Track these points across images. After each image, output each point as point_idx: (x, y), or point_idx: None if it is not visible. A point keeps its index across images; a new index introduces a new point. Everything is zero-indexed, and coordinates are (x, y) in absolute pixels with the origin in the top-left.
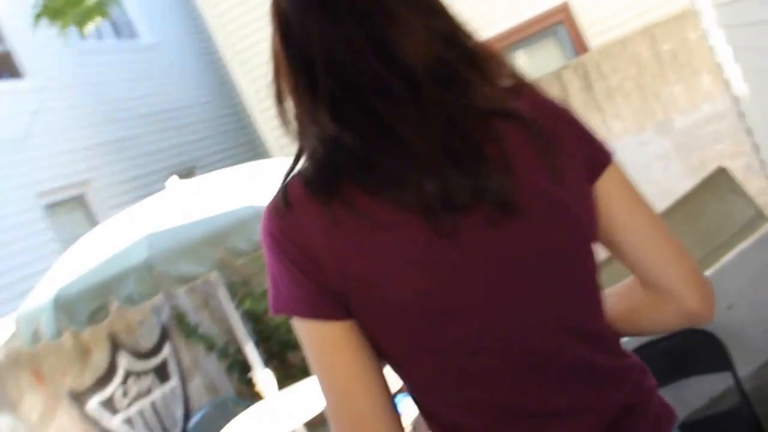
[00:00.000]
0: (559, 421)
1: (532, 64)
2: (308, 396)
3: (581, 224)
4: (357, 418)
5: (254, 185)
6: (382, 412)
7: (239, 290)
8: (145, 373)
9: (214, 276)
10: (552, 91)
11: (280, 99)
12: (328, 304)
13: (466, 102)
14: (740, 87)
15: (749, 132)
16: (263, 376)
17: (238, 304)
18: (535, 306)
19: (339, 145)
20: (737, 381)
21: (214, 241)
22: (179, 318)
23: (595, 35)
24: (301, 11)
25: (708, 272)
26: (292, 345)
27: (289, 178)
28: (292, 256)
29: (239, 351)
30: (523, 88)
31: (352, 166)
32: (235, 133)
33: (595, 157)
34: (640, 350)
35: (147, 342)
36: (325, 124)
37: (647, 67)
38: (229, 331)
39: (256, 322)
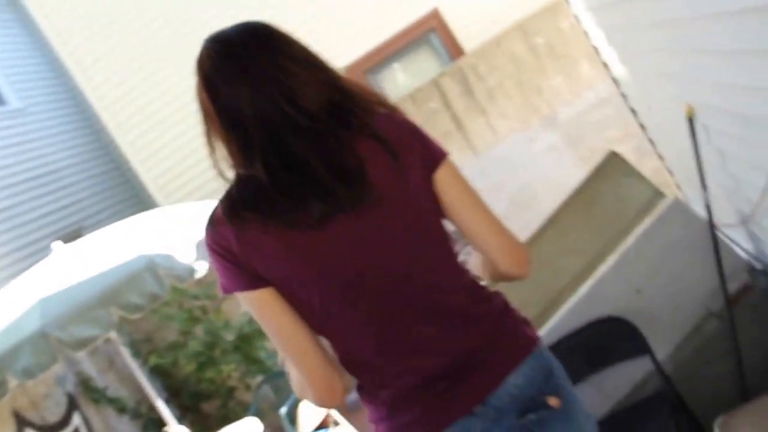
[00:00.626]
0: (427, 348)
1: (409, 75)
2: None
3: (425, 207)
4: (302, 350)
5: (142, 236)
6: (315, 344)
7: (143, 347)
8: None
9: (114, 336)
10: (432, 101)
11: (212, 148)
12: (251, 280)
13: (349, 129)
14: (618, 68)
15: (634, 113)
16: (179, 431)
17: (144, 362)
18: (399, 266)
19: (249, 182)
20: (656, 364)
21: (108, 300)
22: (85, 384)
23: (469, 38)
24: (229, 81)
25: (612, 259)
26: (205, 395)
27: (217, 203)
28: (221, 255)
29: (152, 409)
30: (385, 112)
31: (252, 199)
32: (118, 188)
33: (431, 157)
34: (557, 345)
35: (54, 414)
36: (255, 164)
37: (524, 62)
38: (139, 390)
39: (164, 377)
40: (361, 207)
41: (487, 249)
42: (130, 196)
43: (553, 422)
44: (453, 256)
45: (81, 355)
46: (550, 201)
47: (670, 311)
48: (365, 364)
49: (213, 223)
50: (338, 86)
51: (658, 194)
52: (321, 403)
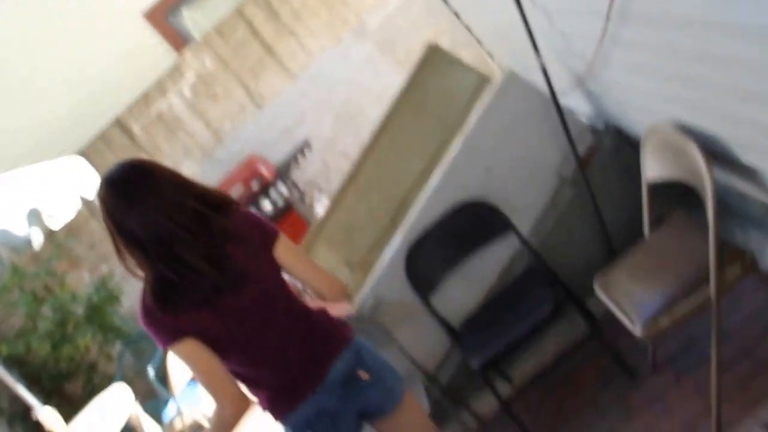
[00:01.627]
0: (289, 356)
1: (209, 13)
2: (99, 421)
3: (273, 273)
4: (217, 376)
5: None
6: (229, 378)
7: None
8: None
9: None
10: (239, 31)
11: (122, 257)
12: (177, 336)
13: (215, 231)
14: None
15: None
16: (46, 414)
17: None
18: (269, 315)
19: (159, 281)
20: (521, 238)
21: None
22: None
23: None
24: (123, 212)
25: (456, 143)
26: (65, 375)
27: (142, 294)
28: (156, 329)
29: (14, 401)
30: (238, 208)
31: (167, 294)
32: None
33: (268, 237)
34: (421, 241)
35: None
36: (157, 268)
37: None
38: None
39: (19, 366)
40: (236, 286)
41: (316, 289)
42: None
43: (366, 389)
44: (299, 302)
45: None
46: (375, 110)
47: (524, 186)
48: (257, 378)
49: (146, 311)
50: (201, 198)
51: (485, 79)
52: (237, 414)
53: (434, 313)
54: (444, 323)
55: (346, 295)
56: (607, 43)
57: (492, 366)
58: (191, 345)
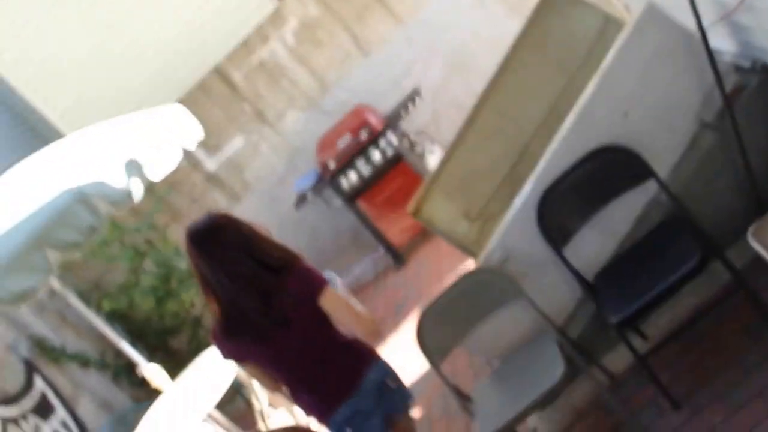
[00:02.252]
0: (335, 380)
1: None
2: (205, 377)
3: (318, 319)
4: (266, 385)
5: (62, 168)
6: (271, 382)
7: (92, 295)
8: (23, 417)
9: (57, 285)
10: None
11: (209, 301)
12: (237, 358)
13: (266, 288)
14: None
15: None
16: (151, 371)
17: (98, 310)
18: (309, 349)
19: (222, 315)
20: (662, 185)
21: (39, 242)
22: (40, 345)
23: None
24: (200, 263)
25: (590, 85)
26: (169, 330)
27: (214, 327)
28: (219, 347)
29: (118, 356)
30: (296, 265)
31: (225, 324)
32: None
33: (314, 289)
34: (552, 189)
35: (13, 384)
36: (220, 308)
37: None
38: (100, 340)
39: (123, 321)
40: (281, 329)
41: (352, 332)
42: (26, 130)
43: (394, 393)
44: (337, 335)
45: (30, 317)
46: (487, 57)
47: (662, 130)
48: (299, 390)
49: (215, 335)
50: (266, 255)
51: (609, 19)
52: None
53: (568, 265)
54: (578, 276)
55: (376, 335)
56: None
57: (630, 322)
58: (249, 368)
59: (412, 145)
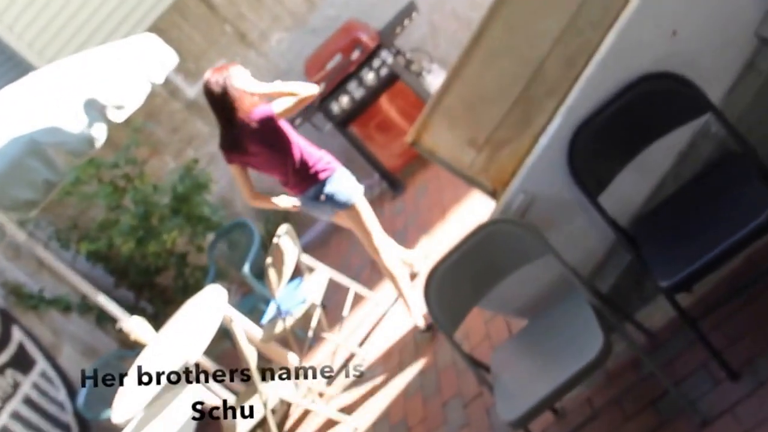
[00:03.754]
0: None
1: None
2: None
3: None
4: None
5: (6, 115)
6: (248, 186)
7: (71, 235)
8: (0, 371)
9: (24, 236)
10: None
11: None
12: (230, 162)
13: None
14: None
15: None
16: (132, 325)
17: (77, 251)
18: (280, 156)
19: (222, 137)
20: (722, 118)
21: None
22: (16, 292)
23: None
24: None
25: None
26: (153, 270)
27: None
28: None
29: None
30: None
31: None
32: None
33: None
34: (593, 121)
35: None
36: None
37: None
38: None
39: (104, 261)
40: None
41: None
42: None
43: (323, 203)
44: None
45: (3, 263)
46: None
47: (714, 50)
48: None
49: (220, 147)
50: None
51: None
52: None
53: (604, 214)
54: (614, 225)
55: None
56: None
57: (683, 287)
58: (233, 168)
59: (408, 63)
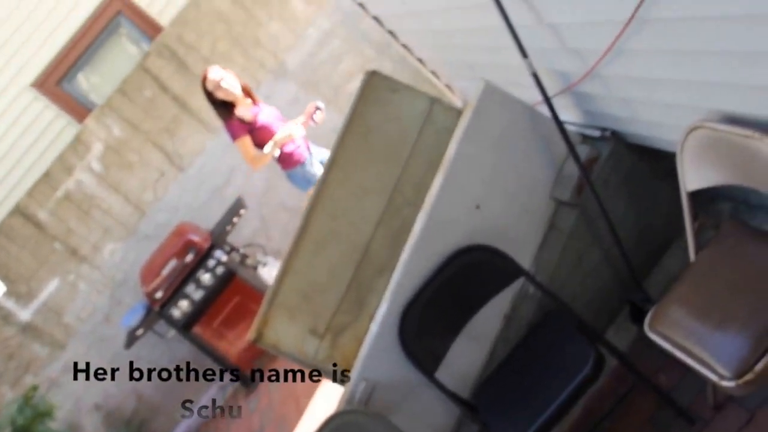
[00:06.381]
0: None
1: (110, 72)
2: None
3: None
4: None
5: None
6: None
7: None
8: None
9: None
10: (145, 88)
11: None
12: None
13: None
14: None
15: (364, 35)
16: None
17: None
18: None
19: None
20: (534, 281)
21: None
22: None
23: (162, 10)
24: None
25: (434, 186)
26: None
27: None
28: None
29: None
30: None
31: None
32: None
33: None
34: (418, 301)
35: None
36: None
37: (233, 18)
38: None
39: None
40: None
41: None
42: None
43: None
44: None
45: None
46: (322, 150)
47: (518, 217)
48: None
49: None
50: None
51: (435, 100)
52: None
53: (443, 389)
54: (455, 398)
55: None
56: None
57: None
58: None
59: (243, 258)
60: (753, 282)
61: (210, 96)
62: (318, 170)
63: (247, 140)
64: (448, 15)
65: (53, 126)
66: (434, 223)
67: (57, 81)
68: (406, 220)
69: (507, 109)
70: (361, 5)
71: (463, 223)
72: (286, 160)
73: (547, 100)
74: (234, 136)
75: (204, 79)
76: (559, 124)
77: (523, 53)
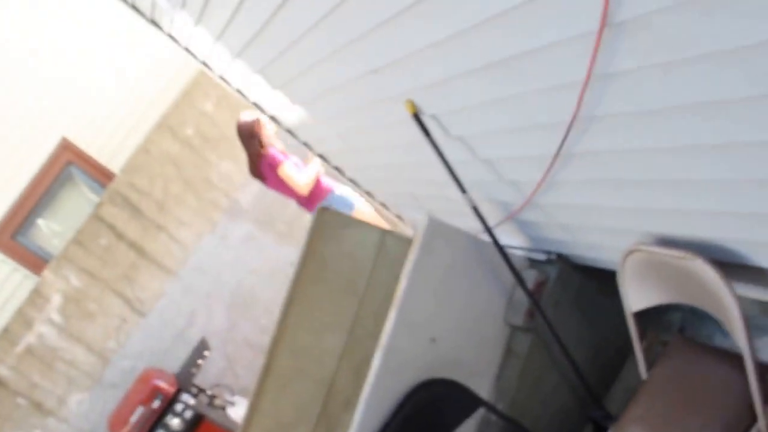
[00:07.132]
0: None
1: (66, 221)
2: None
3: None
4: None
5: None
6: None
7: None
8: None
9: None
10: (101, 237)
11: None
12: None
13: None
14: (295, 115)
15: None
16: None
17: None
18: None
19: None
20: (495, 411)
21: None
22: None
23: (112, 156)
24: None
25: (388, 324)
26: None
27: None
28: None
29: None
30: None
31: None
32: None
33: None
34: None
35: None
36: None
37: (184, 160)
38: None
39: None
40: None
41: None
42: None
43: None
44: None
45: None
46: (268, 290)
47: (474, 346)
48: None
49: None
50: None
51: (387, 232)
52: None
53: None
54: None
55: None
56: (560, 159)
57: None
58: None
59: (211, 400)
60: (702, 398)
61: (246, 141)
62: (346, 192)
63: (290, 164)
64: (390, 152)
65: (10, 280)
66: (391, 360)
67: (11, 235)
68: (369, 352)
69: (452, 242)
70: (305, 144)
71: (420, 357)
72: (320, 195)
73: (489, 231)
74: (276, 164)
75: (257, 129)
76: (503, 253)
77: (462, 189)
